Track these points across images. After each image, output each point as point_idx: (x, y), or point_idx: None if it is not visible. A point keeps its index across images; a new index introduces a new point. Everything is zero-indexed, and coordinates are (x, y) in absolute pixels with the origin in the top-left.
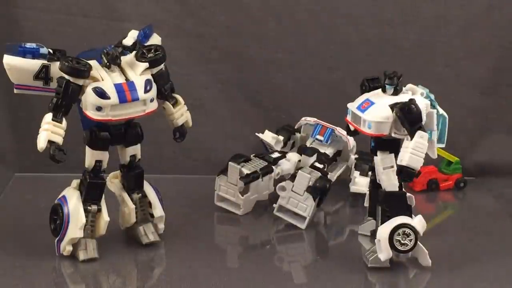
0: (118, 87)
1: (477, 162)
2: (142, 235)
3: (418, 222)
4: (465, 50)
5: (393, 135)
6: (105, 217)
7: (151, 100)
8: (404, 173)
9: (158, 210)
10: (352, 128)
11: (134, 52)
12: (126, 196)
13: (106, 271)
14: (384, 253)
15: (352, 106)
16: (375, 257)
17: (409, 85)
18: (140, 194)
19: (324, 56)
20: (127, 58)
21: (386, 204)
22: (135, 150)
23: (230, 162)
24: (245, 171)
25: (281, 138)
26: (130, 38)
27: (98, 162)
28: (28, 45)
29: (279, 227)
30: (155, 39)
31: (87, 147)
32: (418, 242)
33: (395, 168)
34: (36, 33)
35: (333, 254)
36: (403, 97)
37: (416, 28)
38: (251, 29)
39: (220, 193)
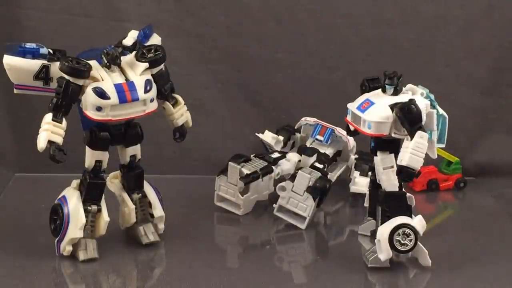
0: (118, 87)
1: (477, 162)
2: (142, 235)
3: (418, 222)
4: (465, 50)
5: (393, 135)
6: (105, 217)
7: (151, 100)
8: (404, 173)
9: (158, 210)
10: (352, 128)
11: (134, 52)
12: (126, 196)
13: (106, 271)
14: (384, 253)
15: (352, 106)
16: (375, 257)
17: (409, 85)
18: (140, 194)
19: (324, 56)
20: (127, 58)
21: (386, 204)
22: (135, 150)
23: (230, 162)
24: (245, 171)
25: (281, 138)
26: (130, 38)
27: (98, 162)
28: (28, 45)
29: (279, 227)
30: (155, 39)
31: (87, 147)
32: (418, 242)
33: (395, 168)
34: (37, 33)
35: (333, 254)
36: (403, 97)
37: (416, 28)
38: (251, 29)
39: (220, 193)
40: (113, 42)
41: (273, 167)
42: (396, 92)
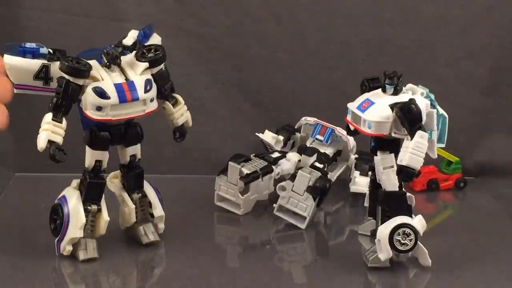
0: (118, 87)
1: (477, 162)
2: (142, 235)
3: (418, 222)
4: (465, 50)
5: (393, 135)
6: (105, 217)
7: (151, 100)
8: (404, 173)
9: (158, 210)
10: (352, 128)
11: (134, 52)
12: (126, 196)
13: (106, 271)
14: (384, 253)
15: (352, 106)
16: (375, 257)
17: (409, 85)
18: (140, 194)
19: (324, 56)
20: (127, 58)
21: (386, 204)
22: (135, 150)
23: (230, 162)
24: (245, 171)
25: (281, 138)
26: (130, 38)
27: (98, 162)
28: (28, 45)
29: (279, 227)
30: (155, 39)
31: (87, 147)
32: (418, 242)
33: (395, 168)
34: (37, 33)
35: (333, 254)
36: (403, 97)
37: (416, 28)
38: (251, 29)
39: (220, 193)
40: (113, 42)
41: (273, 167)
42: (396, 92)
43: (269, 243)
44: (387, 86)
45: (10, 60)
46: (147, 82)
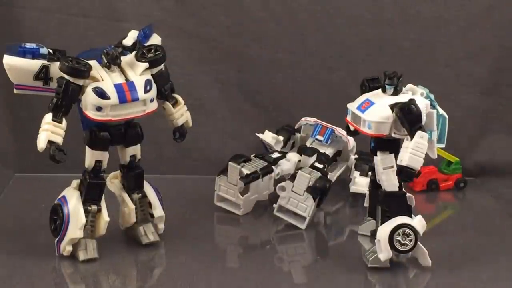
0: (118, 87)
1: (477, 162)
2: (142, 235)
3: (418, 222)
4: (465, 50)
5: (393, 135)
6: (105, 217)
7: (151, 100)
8: (404, 173)
9: (158, 210)
10: (352, 128)
11: (134, 52)
12: (126, 196)
13: (106, 271)
14: (384, 253)
15: (352, 106)
16: (375, 257)
17: (409, 85)
18: (140, 194)
19: (324, 56)
20: (127, 58)
21: (386, 204)
22: (135, 150)
23: (230, 162)
24: (245, 171)
25: (281, 138)
26: (130, 38)
27: (98, 162)
28: (28, 45)
29: (279, 227)
30: (155, 39)
31: (87, 147)
32: (418, 242)
33: (395, 168)
34: (36, 33)
35: (333, 254)
36: (403, 97)
37: (416, 28)
38: (251, 29)
39: (220, 193)
40: (113, 42)
41: (273, 167)
42: (396, 92)
43: (269, 243)
44: (387, 86)
45: (10, 60)
46: (147, 83)
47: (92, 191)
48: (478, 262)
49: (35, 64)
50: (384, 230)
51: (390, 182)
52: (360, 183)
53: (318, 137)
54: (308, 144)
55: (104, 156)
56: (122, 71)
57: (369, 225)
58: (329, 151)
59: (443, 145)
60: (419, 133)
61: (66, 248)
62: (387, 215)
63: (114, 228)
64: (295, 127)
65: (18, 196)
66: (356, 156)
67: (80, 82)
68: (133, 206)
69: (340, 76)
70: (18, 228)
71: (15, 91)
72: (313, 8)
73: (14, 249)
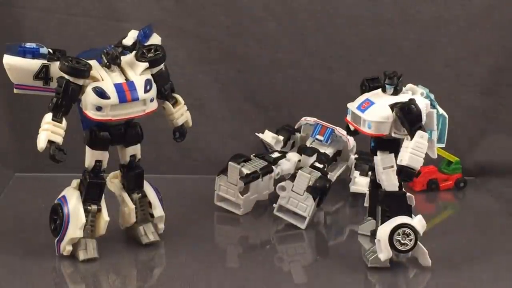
0: (118, 87)
1: (477, 162)
2: (142, 235)
3: (418, 222)
4: (465, 50)
5: (393, 135)
6: (105, 217)
7: (151, 100)
8: (404, 173)
9: (158, 210)
10: (352, 128)
11: (134, 52)
12: (126, 196)
13: (106, 271)
14: (384, 253)
15: (352, 106)
16: (375, 257)
17: (409, 85)
18: (140, 194)
19: (324, 56)
20: (127, 58)
21: (386, 204)
22: (135, 150)
23: (230, 162)
24: (245, 171)
25: (281, 138)
26: (130, 38)
27: (98, 162)
28: (28, 45)
29: (279, 227)
30: (155, 39)
31: (87, 147)
32: (418, 242)
33: (395, 168)
34: (36, 33)
35: (333, 254)
36: (403, 97)
37: (416, 28)
38: (251, 29)
39: (220, 193)
40: (113, 42)
41: (273, 167)
42: (396, 92)
43: (269, 243)
44: (387, 86)
45: (10, 60)
46: (147, 82)
47: (92, 191)
48: (478, 262)
49: (35, 64)
50: (384, 230)
51: (390, 182)
52: (360, 183)
53: (318, 137)
54: (308, 144)
55: (104, 156)
56: (122, 71)
57: (369, 225)
58: (329, 151)
59: (443, 145)
60: (419, 133)
61: (66, 248)
62: (387, 215)
63: (114, 228)
64: (295, 127)
65: (18, 196)
66: (356, 156)
67: (80, 82)
68: (133, 206)
69: (340, 76)
70: (18, 228)
71: (15, 91)
72: (313, 8)
73: (14, 249)
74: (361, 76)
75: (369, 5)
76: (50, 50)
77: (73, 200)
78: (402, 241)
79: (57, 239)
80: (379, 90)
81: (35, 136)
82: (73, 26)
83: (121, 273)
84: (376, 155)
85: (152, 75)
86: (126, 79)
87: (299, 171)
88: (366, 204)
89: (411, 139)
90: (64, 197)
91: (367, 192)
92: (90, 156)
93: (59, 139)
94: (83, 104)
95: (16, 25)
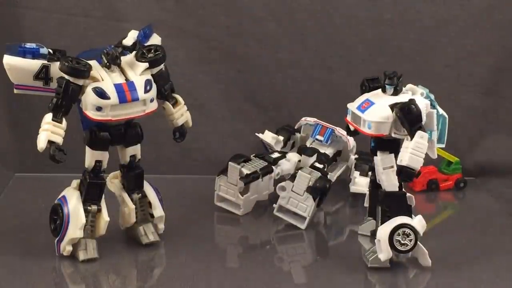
0: (118, 87)
1: (477, 162)
2: (142, 235)
3: (418, 222)
4: (465, 50)
5: (393, 135)
6: (105, 217)
7: (151, 100)
8: (404, 173)
9: (158, 210)
10: (352, 128)
11: (134, 52)
12: (126, 196)
13: (106, 271)
14: (384, 253)
15: (352, 106)
16: (375, 257)
17: (409, 85)
18: (140, 194)
19: (324, 56)
20: (127, 58)
21: (386, 204)
22: (135, 150)
23: (230, 162)
24: (245, 171)
25: (281, 138)
26: (130, 38)
27: (98, 162)
28: (28, 45)
29: (279, 227)
30: (155, 39)
31: (87, 147)
32: (418, 242)
33: (395, 168)
34: (36, 33)
35: (333, 254)
36: (403, 97)
37: (416, 28)
38: (251, 29)
39: (220, 193)
40: (113, 42)
41: (273, 167)
42: (396, 92)
43: (269, 243)
44: (387, 86)
45: (10, 60)
46: (147, 82)
47: (92, 191)
48: (478, 262)
49: (35, 64)
50: (384, 230)
51: (390, 182)
52: (360, 183)
53: (318, 137)
54: (308, 144)
55: (104, 156)
56: (122, 71)
57: (369, 225)
58: (329, 151)
59: (443, 145)
60: (419, 133)
61: (66, 248)
62: (387, 215)
63: (114, 228)
64: (295, 127)
65: (18, 196)
66: (356, 156)
67: (80, 82)
68: (133, 206)
69: (340, 76)
70: (18, 228)
71: (15, 91)
72: (313, 8)
73: (14, 249)
74: (361, 76)
75: (369, 5)
76: (50, 50)
77: (73, 200)
78: (402, 241)
79: (57, 239)
80: (379, 90)
81: (35, 136)
82: (73, 26)
83: (121, 273)
84: (376, 155)
85: (152, 75)
86: (126, 79)
87: (299, 171)
88: (366, 204)
89: (411, 139)
90: (64, 197)
91: (367, 192)
92: (90, 156)
93: (59, 139)
94: (83, 104)
95: (16, 25)
